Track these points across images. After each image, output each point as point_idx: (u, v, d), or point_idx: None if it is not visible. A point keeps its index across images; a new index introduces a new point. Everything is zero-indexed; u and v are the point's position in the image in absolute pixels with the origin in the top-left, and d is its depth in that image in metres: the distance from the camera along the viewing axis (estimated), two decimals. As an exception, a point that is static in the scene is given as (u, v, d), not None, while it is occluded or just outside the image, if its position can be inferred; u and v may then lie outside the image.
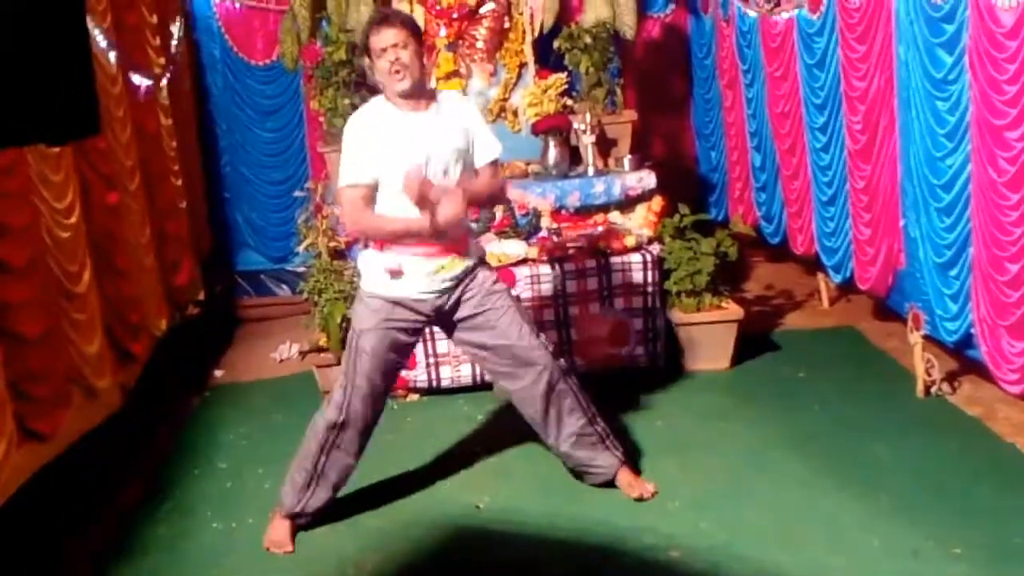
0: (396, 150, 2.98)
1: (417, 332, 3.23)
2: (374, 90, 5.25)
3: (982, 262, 3.37)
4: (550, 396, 3.21)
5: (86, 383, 3.61)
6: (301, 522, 3.27)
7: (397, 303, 3.11)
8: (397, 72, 2.96)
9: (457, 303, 3.16)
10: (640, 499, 3.27)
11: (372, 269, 3.13)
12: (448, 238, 3.06)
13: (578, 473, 3.39)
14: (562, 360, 3.31)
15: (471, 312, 3.16)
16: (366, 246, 3.20)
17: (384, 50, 2.95)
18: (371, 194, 3.03)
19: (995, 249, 3.27)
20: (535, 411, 3.26)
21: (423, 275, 3.08)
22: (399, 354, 3.22)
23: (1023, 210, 3.11)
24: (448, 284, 3.12)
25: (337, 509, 3.49)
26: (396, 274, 3.05)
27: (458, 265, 3.12)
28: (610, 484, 3.34)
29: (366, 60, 3.07)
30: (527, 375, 3.20)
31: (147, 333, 4.48)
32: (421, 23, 5.16)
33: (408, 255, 3.05)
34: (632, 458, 3.49)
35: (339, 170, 3.07)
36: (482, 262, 3.28)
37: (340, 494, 3.58)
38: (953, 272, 3.60)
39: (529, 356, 3.18)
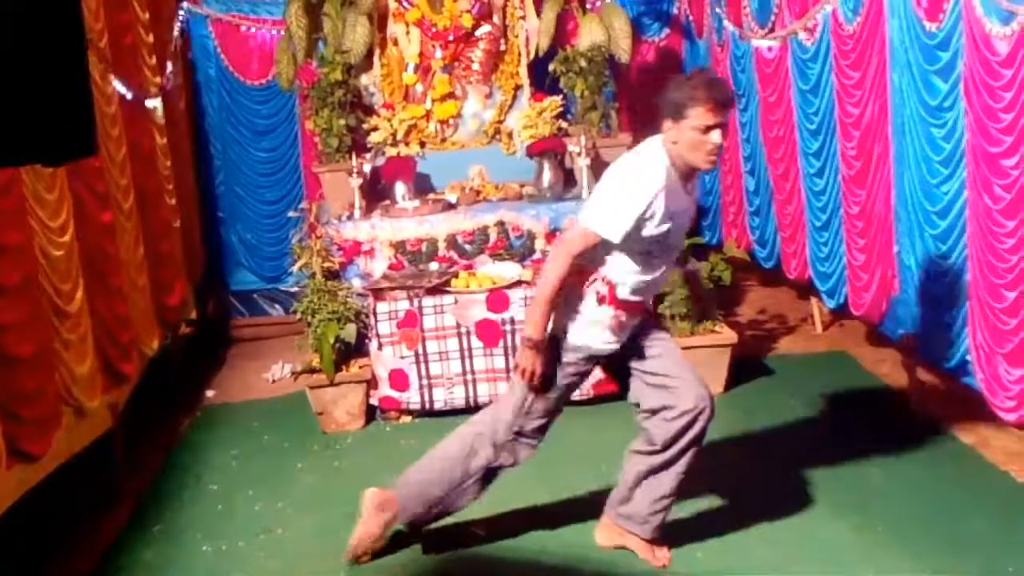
0: (667, 217, 2.85)
1: (587, 374, 3.16)
2: (368, 110, 5.31)
3: (978, 289, 3.38)
4: (685, 431, 2.99)
5: (76, 403, 3.58)
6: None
7: (588, 355, 3.03)
8: (712, 155, 2.80)
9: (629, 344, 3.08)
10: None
11: (587, 319, 3.00)
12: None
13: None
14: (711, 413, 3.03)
15: (637, 350, 3.07)
16: (597, 294, 2.99)
17: (710, 128, 2.75)
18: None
19: (991, 276, 3.27)
20: (658, 436, 3.03)
21: (628, 329, 3.03)
22: (570, 390, 3.16)
23: (1019, 237, 3.12)
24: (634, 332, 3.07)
25: (330, 531, 3.46)
26: (616, 330, 3.00)
27: (644, 314, 3.12)
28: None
29: (669, 119, 2.79)
30: (678, 402, 2.99)
31: (139, 353, 4.44)
32: (417, 45, 5.21)
33: (626, 312, 2.99)
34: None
35: (596, 206, 2.87)
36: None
37: (331, 520, 3.56)
38: (948, 299, 3.60)
39: (687, 389, 3.01)
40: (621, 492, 3.12)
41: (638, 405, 3.09)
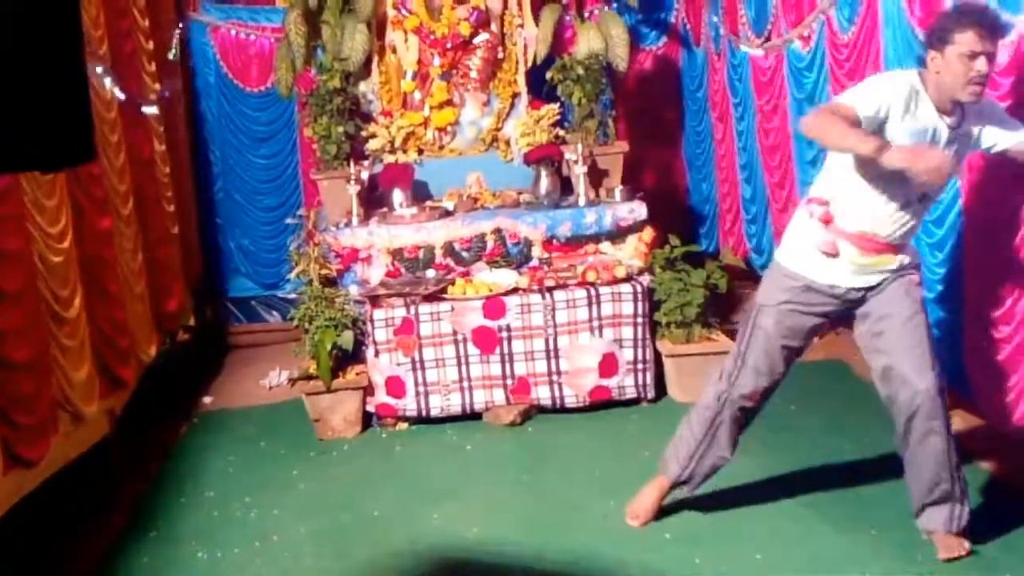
0: (904, 135, 2.74)
1: (824, 316, 3.06)
2: (367, 118, 5.32)
3: (974, 297, 3.39)
4: (911, 425, 2.92)
5: (73, 409, 3.58)
6: (688, 489, 3.33)
7: (810, 287, 2.98)
8: (976, 85, 2.70)
9: (868, 295, 2.98)
10: (954, 559, 2.96)
11: (802, 244, 2.98)
12: (895, 239, 2.91)
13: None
14: (940, 396, 2.90)
15: (873, 310, 2.98)
16: (811, 215, 2.96)
17: (977, 54, 2.66)
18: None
19: (987, 284, 3.29)
20: (899, 426, 2.97)
21: (853, 265, 2.93)
22: (796, 339, 3.08)
23: (1016, 246, 3.14)
24: (874, 281, 2.96)
25: (326, 538, 3.47)
26: (829, 255, 2.92)
27: (891, 262, 2.95)
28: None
29: (933, 50, 2.71)
30: (898, 392, 2.92)
31: (136, 359, 4.45)
32: (416, 52, 5.24)
33: (848, 241, 2.90)
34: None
35: (850, 93, 2.83)
36: (915, 266, 3.03)
37: (327, 527, 3.55)
38: (944, 307, 3.61)
39: (906, 377, 2.90)
40: (909, 497, 3.04)
41: None
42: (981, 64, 2.68)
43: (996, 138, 2.91)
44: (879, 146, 2.61)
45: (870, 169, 2.80)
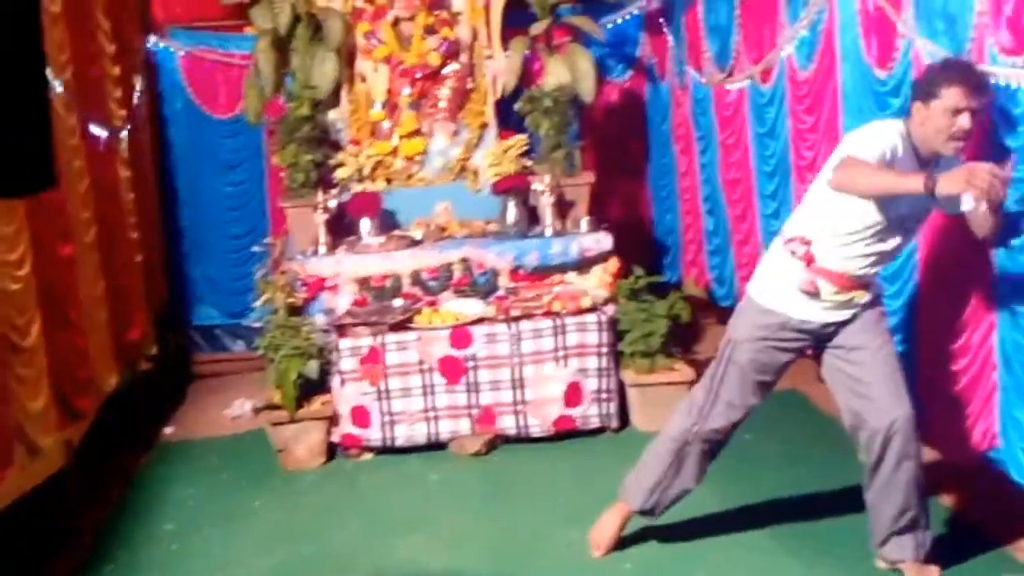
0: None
1: (797, 351, 3.12)
2: (335, 146, 5.34)
3: (928, 331, 3.45)
4: (886, 450, 2.98)
5: (28, 441, 3.52)
6: (650, 517, 3.35)
7: (785, 324, 3.04)
8: (957, 140, 2.76)
9: (839, 329, 3.05)
10: None
11: (780, 281, 3.04)
12: (870, 276, 3.01)
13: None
14: (912, 422, 2.99)
15: (844, 342, 3.05)
16: (793, 254, 3.00)
17: (961, 110, 2.72)
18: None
19: (944, 315, 3.35)
20: (872, 454, 3.02)
21: (831, 302, 2.99)
22: (770, 374, 3.14)
23: (970, 278, 3.20)
24: (849, 315, 3.02)
25: (289, 571, 3.43)
26: (810, 294, 2.97)
27: (864, 296, 3.03)
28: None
29: (918, 102, 2.79)
30: (871, 419, 2.98)
31: (96, 389, 4.38)
32: (385, 82, 5.27)
33: (826, 279, 2.96)
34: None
35: (846, 148, 2.84)
36: (879, 297, 3.18)
37: (290, 559, 3.52)
38: (898, 339, 3.67)
39: (882, 405, 2.98)
40: (871, 528, 3.09)
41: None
42: (964, 120, 2.73)
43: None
44: (927, 179, 2.60)
45: (889, 212, 2.85)
